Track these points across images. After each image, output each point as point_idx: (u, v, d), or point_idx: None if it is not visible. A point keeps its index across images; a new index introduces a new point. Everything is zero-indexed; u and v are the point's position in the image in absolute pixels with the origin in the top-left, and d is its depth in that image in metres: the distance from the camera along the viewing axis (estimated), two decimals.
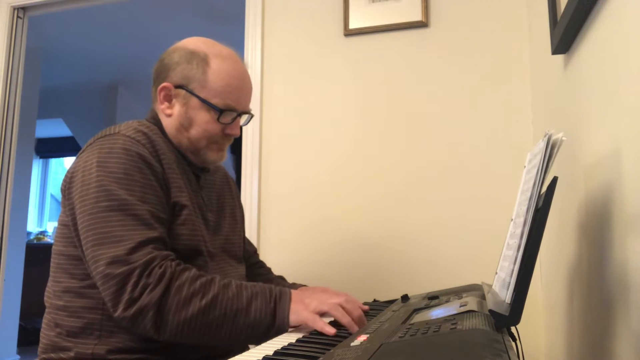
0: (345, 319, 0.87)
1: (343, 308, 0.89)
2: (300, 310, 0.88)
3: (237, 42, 1.93)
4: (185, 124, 1.04)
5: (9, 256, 2.26)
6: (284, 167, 1.77)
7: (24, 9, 2.28)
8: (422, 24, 1.68)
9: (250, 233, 1.74)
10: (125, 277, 0.84)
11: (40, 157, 6.04)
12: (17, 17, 2.26)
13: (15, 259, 3.25)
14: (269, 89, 1.82)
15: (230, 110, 1.04)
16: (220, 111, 1.03)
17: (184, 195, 0.99)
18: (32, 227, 5.56)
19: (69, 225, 0.95)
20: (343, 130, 1.72)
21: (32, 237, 4.99)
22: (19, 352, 3.46)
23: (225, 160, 1.11)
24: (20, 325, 3.44)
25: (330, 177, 1.71)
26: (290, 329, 0.90)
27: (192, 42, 1.06)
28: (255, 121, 1.79)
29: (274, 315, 0.88)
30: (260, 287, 0.92)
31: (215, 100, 1.02)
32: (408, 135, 1.65)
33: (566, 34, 0.93)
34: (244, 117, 1.10)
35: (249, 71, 1.83)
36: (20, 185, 3.26)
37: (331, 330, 0.84)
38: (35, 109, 3.58)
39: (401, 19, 1.69)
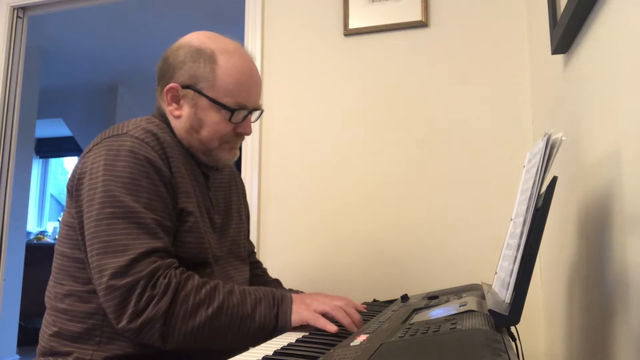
0: (346, 320, 0.88)
1: (343, 310, 0.90)
2: (302, 310, 0.90)
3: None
4: (195, 126, 1.00)
5: (9, 256, 2.26)
6: (284, 167, 1.76)
7: (24, 8, 2.28)
8: (422, 24, 1.68)
9: (250, 233, 1.74)
10: (129, 288, 0.82)
11: (40, 157, 6.04)
12: (17, 17, 2.26)
13: (15, 259, 3.25)
14: (268, 88, 1.82)
15: (241, 109, 1.00)
16: (231, 111, 0.99)
17: (191, 201, 0.96)
18: (32, 227, 5.56)
19: (75, 227, 0.93)
20: (343, 129, 1.72)
21: (32, 237, 4.99)
22: (18, 352, 3.45)
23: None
24: (20, 325, 3.44)
25: (330, 176, 1.71)
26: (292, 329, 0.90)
27: (197, 38, 1.02)
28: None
29: (277, 319, 0.89)
30: (262, 291, 0.92)
31: (225, 100, 0.99)
32: (408, 135, 1.65)
33: (566, 34, 0.93)
34: (255, 114, 1.07)
35: None
36: (20, 185, 3.26)
37: (333, 328, 0.85)
38: (35, 109, 3.58)
39: (401, 19, 1.69)
